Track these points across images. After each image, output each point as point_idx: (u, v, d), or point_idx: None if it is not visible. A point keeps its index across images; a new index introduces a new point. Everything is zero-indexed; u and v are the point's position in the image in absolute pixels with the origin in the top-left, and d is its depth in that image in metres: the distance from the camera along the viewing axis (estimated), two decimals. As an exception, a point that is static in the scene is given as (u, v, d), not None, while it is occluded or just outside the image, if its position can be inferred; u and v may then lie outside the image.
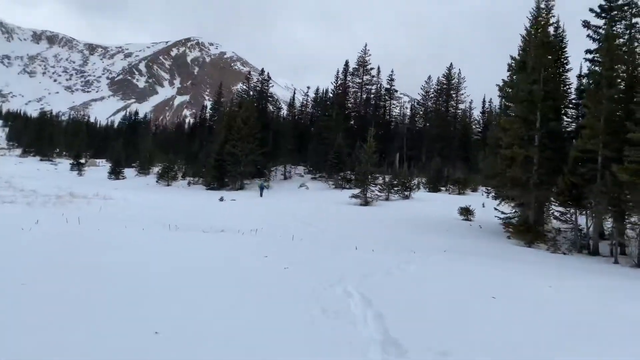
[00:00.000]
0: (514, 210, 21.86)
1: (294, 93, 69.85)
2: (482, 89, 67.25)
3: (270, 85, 63.34)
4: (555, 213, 18.92)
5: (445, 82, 60.95)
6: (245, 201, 32.21)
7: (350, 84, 58.77)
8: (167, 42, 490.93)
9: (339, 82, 57.31)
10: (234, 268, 7.82)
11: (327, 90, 60.77)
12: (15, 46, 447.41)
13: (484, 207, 27.90)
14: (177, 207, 23.56)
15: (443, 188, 41.31)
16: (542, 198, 20.02)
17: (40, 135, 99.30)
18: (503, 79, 23.29)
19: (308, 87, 66.33)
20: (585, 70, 21.79)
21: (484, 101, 63.40)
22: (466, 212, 24.70)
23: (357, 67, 59.15)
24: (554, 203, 19.96)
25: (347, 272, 7.85)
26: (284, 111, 70.57)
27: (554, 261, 14.33)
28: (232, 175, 47.05)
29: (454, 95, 61.32)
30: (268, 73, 62.44)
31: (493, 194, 23.63)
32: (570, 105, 22.09)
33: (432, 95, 62.68)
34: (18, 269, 6.34)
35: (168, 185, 54.12)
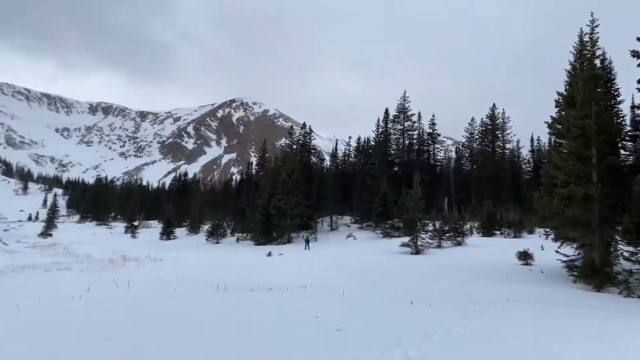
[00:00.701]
0: (577, 252, 20.45)
1: (336, 144, 70.43)
2: (529, 128, 65.59)
3: (312, 137, 64.39)
4: (625, 253, 17.49)
5: (489, 122, 59.97)
6: (293, 255, 31.93)
7: (391, 130, 58.80)
8: (213, 105, 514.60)
9: (380, 130, 57.46)
10: (282, 331, 7.44)
11: (368, 139, 61.02)
12: (74, 119, 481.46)
13: (543, 249, 26.41)
14: (226, 265, 23.52)
15: (497, 232, 39.63)
16: (607, 238, 18.63)
17: (96, 201, 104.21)
18: (551, 116, 22.45)
19: (350, 137, 66.94)
20: (638, 101, 20.72)
21: (532, 139, 61.82)
22: (525, 256, 23.39)
23: (397, 114, 59.37)
24: (620, 242, 18.56)
25: (404, 332, 7.30)
26: (327, 162, 71.15)
27: (630, 307, 13.06)
28: (279, 229, 47.16)
29: (499, 135, 60.06)
30: (310, 126, 63.60)
31: (552, 235, 22.26)
32: (627, 138, 20.91)
33: (477, 136, 61.71)
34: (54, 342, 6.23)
35: (217, 242, 54.84)
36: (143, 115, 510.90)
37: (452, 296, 14.24)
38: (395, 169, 57.03)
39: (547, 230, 23.82)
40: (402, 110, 59.42)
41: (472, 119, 62.46)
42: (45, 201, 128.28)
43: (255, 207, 52.85)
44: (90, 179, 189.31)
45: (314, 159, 65.28)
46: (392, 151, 57.52)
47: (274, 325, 7.80)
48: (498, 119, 59.97)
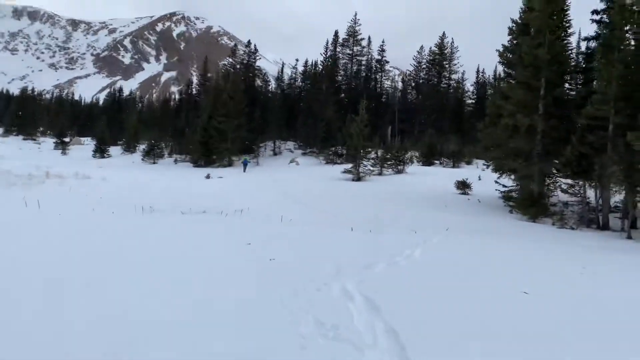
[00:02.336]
0: (515, 184, 20.76)
1: (282, 66, 67.54)
2: (476, 60, 65.28)
3: (257, 58, 61.27)
4: (563, 186, 17.82)
5: (438, 52, 59.17)
6: (233, 179, 30.86)
7: (340, 55, 56.88)
8: (152, 17, 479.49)
9: (328, 54, 55.41)
10: (208, 261, 6.55)
11: (316, 63, 58.80)
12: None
13: (480, 180, 26.86)
14: (159, 186, 22.17)
15: (437, 161, 40.16)
16: (547, 170, 18.88)
17: (23, 114, 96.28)
18: (503, 44, 21.86)
19: (297, 60, 64.26)
20: (591, 32, 20.41)
21: (477, 71, 61.81)
22: (463, 186, 23.62)
23: (347, 37, 57.16)
24: (558, 175, 18.89)
25: (344, 262, 6.63)
26: (273, 86, 68.55)
27: (566, 238, 13.25)
28: (219, 152, 45.50)
29: (446, 65, 59.64)
30: (255, 45, 60.30)
31: (492, 166, 22.44)
32: (577, 70, 20.78)
33: (425, 66, 61.00)
34: None
35: (154, 163, 52.55)
36: (75, 23, 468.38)
37: (392, 223, 13.91)
38: (342, 95, 55.78)
39: (488, 161, 24.05)
40: (352, 34, 57.20)
41: (421, 48, 61.41)
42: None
43: (195, 128, 50.56)
44: (16, 90, 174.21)
45: (258, 81, 62.54)
46: (339, 77, 55.95)
47: (198, 253, 6.88)
48: (447, 48, 59.27)
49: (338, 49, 56.43)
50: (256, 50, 60.32)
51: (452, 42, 59.68)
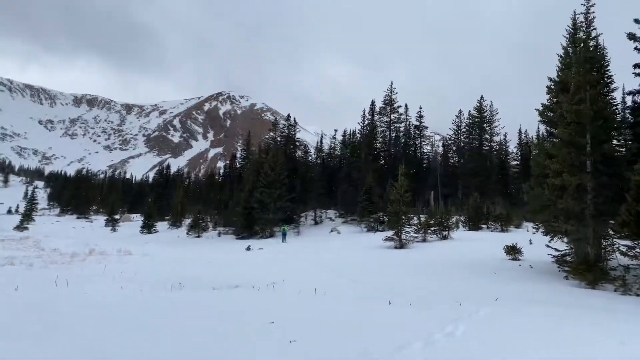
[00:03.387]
0: (568, 247, 19.33)
1: (322, 136, 68.97)
2: (518, 121, 64.60)
3: (297, 130, 62.85)
4: (621, 248, 16.39)
5: (477, 115, 58.97)
6: (273, 249, 30.55)
7: (377, 123, 57.57)
8: (199, 98, 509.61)
9: (365, 122, 56.21)
10: (219, 345, 6.04)
11: (354, 132, 59.72)
12: (58, 111, 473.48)
13: (531, 244, 25.42)
14: (197, 260, 22.05)
15: (484, 226, 38.64)
16: (602, 231, 17.50)
17: (78, 194, 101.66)
18: (542, 103, 21.30)
19: (335, 130, 65.70)
20: (635, 86, 19.60)
21: (519, 132, 60.90)
22: (513, 251, 22.28)
23: (383, 105, 58.07)
24: (616, 236, 17.45)
25: (373, 343, 5.95)
26: (313, 156, 69.75)
27: (632, 308, 11.88)
28: (261, 223, 45.70)
29: (487, 128, 59.12)
30: (294, 118, 62.12)
31: (542, 229, 21.14)
32: (624, 126, 19.81)
33: (465, 129, 60.72)
34: None
35: (198, 236, 53.27)
36: (128, 108, 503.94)
37: (436, 294, 12.97)
38: (381, 162, 55.85)
39: (537, 224, 22.72)
40: (389, 102, 58.13)
41: (460, 112, 61.51)
42: (26, 194, 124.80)
43: (237, 201, 51.37)
44: (74, 172, 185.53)
45: (299, 152, 63.88)
46: (377, 144, 56.29)
47: (213, 336, 6.38)
48: (486, 111, 59.04)
49: (375, 117, 57.27)
50: (295, 123, 62.02)
51: (491, 104, 59.48)
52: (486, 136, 59.33)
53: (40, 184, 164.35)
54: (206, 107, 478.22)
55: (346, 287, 14.15)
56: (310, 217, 51.79)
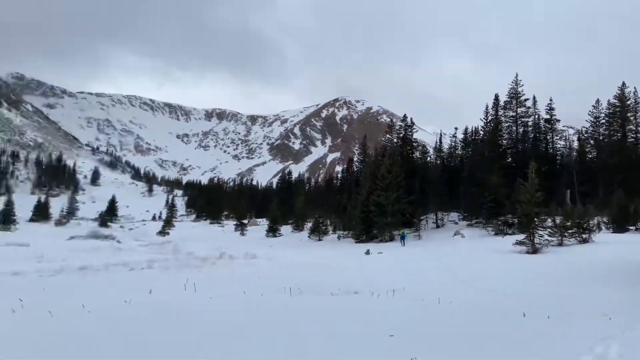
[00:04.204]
0: None
1: (440, 136, 66.68)
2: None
3: (414, 130, 61.34)
4: None
5: (618, 103, 52.49)
6: (392, 253, 29.95)
7: (502, 118, 53.93)
8: (317, 105, 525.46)
9: (489, 118, 52.97)
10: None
11: (476, 129, 56.65)
12: (193, 125, 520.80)
13: (697, 248, 21.67)
14: (318, 264, 22.27)
15: (632, 227, 34.02)
16: None
17: (210, 201, 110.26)
18: None
19: (456, 128, 62.89)
20: None
21: (673, 120, 52.91)
22: (675, 257, 19.12)
23: (508, 99, 54.26)
24: None
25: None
26: (432, 156, 67.62)
27: None
28: (379, 226, 45.23)
29: (631, 118, 52.35)
30: (411, 118, 60.71)
31: None
32: None
33: (604, 121, 54.41)
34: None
35: (319, 240, 54.41)
36: (253, 119, 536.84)
37: (577, 305, 11.40)
38: (508, 160, 52.18)
39: None
40: (515, 95, 54.14)
41: (597, 101, 55.14)
42: (167, 202, 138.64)
43: (355, 204, 51.51)
44: (207, 180, 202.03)
45: (417, 153, 62.35)
46: (503, 141, 52.71)
47: (326, 349, 6.07)
48: (629, 99, 52.30)
49: (500, 112, 53.73)
50: (412, 123, 60.61)
51: (635, 91, 52.54)
52: (630, 127, 52.56)
53: (179, 192, 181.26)
54: (324, 113, 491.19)
55: (472, 296, 13.15)
56: (431, 220, 50.06)
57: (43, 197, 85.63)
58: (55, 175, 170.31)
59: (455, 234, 41.07)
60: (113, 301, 8.99)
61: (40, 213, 72.38)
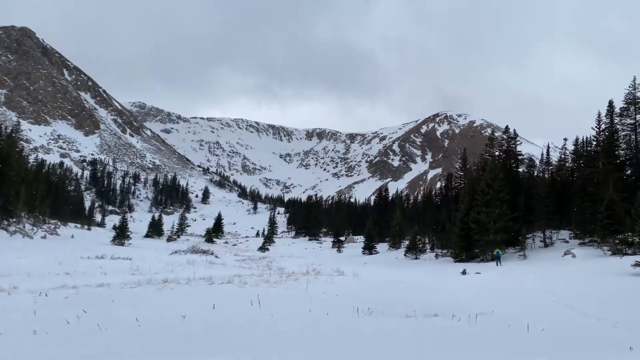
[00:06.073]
0: None
1: (548, 148, 61.74)
2: None
3: (518, 142, 57.62)
4: None
5: None
6: (490, 274, 27.94)
7: (618, 126, 48.70)
8: (416, 121, 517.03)
9: (602, 127, 48.12)
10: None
11: (588, 139, 51.75)
12: (294, 145, 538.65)
13: None
14: (406, 283, 21.33)
15: None
16: None
17: (308, 218, 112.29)
18: None
19: (565, 139, 57.92)
20: None
21: None
22: None
23: (625, 105, 48.89)
24: None
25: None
26: (539, 170, 62.84)
27: None
28: (480, 245, 42.70)
29: None
30: (514, 130, 57.23)
31: None
32: None
33: None
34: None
35: (416, 258, 52.81)
36: (352, 137, 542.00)
37: None
38: (627, 172, 46.88)
39: None
40: (633, 101, 48.67)
41: None
42: (270, 219, 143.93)
43: (454, 221, 49.27)
44: (307, 198, 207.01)
45: (522, 167, 58.37)
46: (620, 151, 47.49)
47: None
48: None
49: (615, 120, 48.61)
50: (516, 135, 57.03)
51: None
52: None
53: (281, 210, 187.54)
54: (423, 129, 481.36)
55: (572, 323, 11.64)
56: (538, 239, 46.22)
57: (157, 215, 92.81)
58: (170, 194, 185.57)
59: (565, 254, 37.44)
60: (169, 316, 9.15)
61: (155, 229, 78.45)
